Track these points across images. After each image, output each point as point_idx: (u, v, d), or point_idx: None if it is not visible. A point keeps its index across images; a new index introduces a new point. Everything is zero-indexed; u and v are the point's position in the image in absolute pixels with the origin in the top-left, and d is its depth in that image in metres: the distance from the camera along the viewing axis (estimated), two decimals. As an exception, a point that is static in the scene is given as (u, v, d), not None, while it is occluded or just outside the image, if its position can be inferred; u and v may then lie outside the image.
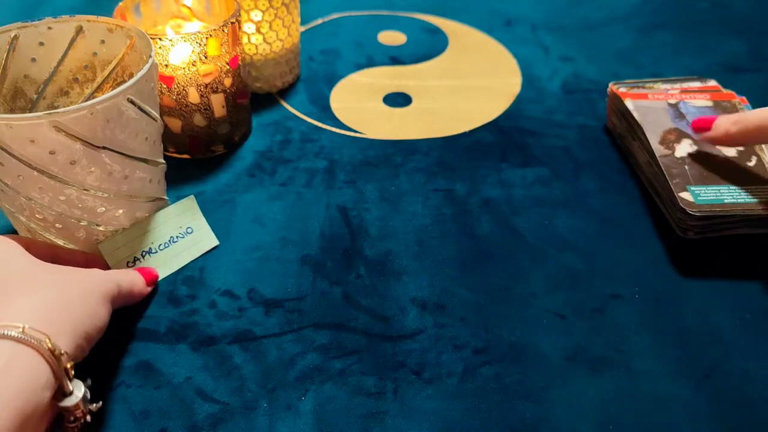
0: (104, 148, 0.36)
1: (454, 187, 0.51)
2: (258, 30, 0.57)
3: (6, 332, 0.29)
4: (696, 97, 0.53)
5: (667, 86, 0.55)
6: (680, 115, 0.51)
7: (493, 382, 0.37)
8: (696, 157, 0.48)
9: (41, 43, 0.42)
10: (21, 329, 0.29)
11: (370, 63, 0.66)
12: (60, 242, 0.40)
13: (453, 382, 0.37)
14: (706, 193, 0.45)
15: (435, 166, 0.53)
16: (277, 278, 0.43)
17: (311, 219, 0.48)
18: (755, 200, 0.44)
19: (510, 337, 0.40)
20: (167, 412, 0.35)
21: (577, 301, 0.42)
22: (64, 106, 0.34)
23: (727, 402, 0.36)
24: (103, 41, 0.43)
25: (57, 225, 0.39)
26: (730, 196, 0.44)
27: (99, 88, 0.44)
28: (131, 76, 0.36)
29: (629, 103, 0.53)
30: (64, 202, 0.38)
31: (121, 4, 0.48)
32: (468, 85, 0.64)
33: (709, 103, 0.52)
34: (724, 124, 0.46)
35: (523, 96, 0.62)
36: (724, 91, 0.54)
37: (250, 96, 0.56)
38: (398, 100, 0.61)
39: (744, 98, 0.53)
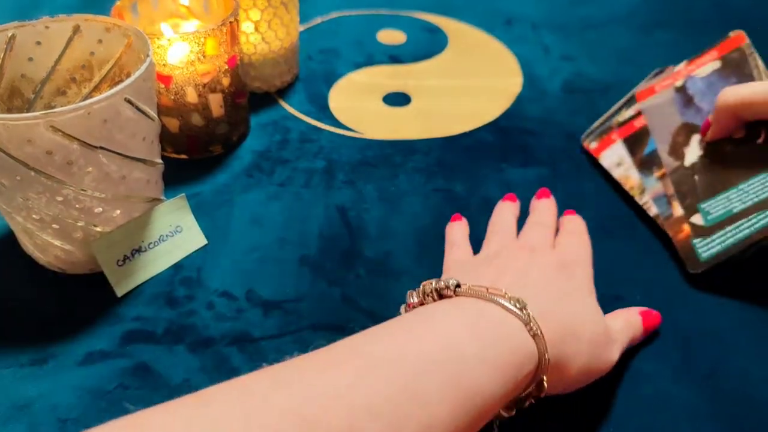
0: (101, 148, 0.36)
1: (454, 187, 0.51)
2: (257, 29, 0.57)
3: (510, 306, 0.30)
4: (703, 63, 0.47)
5: (679, 67, 0.49)
6: (688, 100, 0.47)
7: (492, 383, 0.37)
8: (705, 156, 0.44)
9: (38, 43, 0.42)
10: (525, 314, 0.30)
11: (370, 62, 0.66)
12: (57, 243, 0.40)
13: (452, 383, 0.37)
14: (716, 207, 0.42)
15: (435, 166, 0.53)
16: (276, 279, 0.43)
17: (310, 219, 0.48)
18: (765, 195, 0.40)
19: (510, 338, 0.40)
20: (165, 414, 0.35)
21: (577, 301, 0.42)
22: (62, 106, 0.33)
23: (728, 402, 0.36)
24: (100, 41, 0.43)
25: (54, 225, 0.39)
26: (739, 200, 0.41)
27: (96, 88, 0.44)
28: (129, 75, 0.36)
29: (643, 105, 0.49)
30: (61, 202, 0.37)
31: (118, 3, 0.48)
32: (468, 84, 0.63)
33: (717, 65, 0.46)
34: (716, 116, 0.42)
35: (524, 96, 0.62)
36: (732, 35, 0.47)
37: (249, 96, 0.56)
38: (398, 99, 0.61)
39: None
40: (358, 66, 0.66)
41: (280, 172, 0.52)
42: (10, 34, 0.41)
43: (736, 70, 0.46)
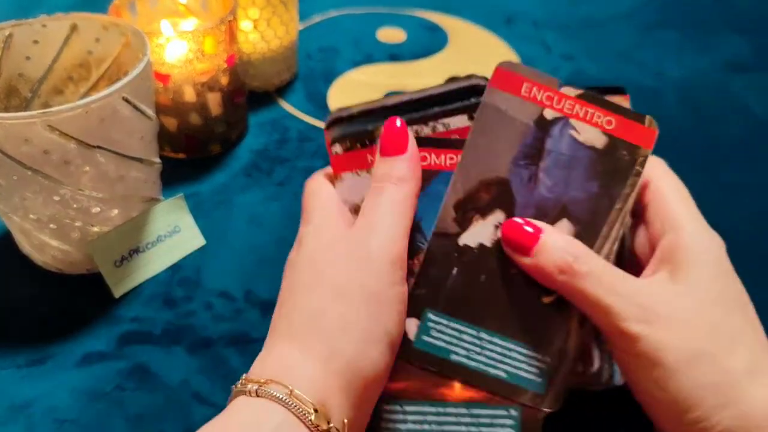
0: (99, 147, 0.36)
1: (454, 186, 0.50)
2: (255, 28, 0.56)
3: (274, 393, 0.25)
4: (592, 120, 0.30)
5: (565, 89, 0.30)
6: (538, 149, 0.30)
7: (492, 384, 0.37)
8: (490, 251, 0.29)
9: (35, 41, 0.42)
10: (289, 391, 0.25)
11: (369, 60, 0.66)
12: (54, 243, 0.39)
13: (452, 384, 0.37)
14: (440, 333, 0.29)
15: (434, 166, 0.52)
16: (275, 279, 0.42)
17: (309, 219, 0.47)
18: (491, 372, 0.29)
19: (510, 339, 0.39)
20: (163, 416, 0.35)
21: (577, 302, 0.42)
22: (59, 105, 0.33)
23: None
24: (97, 39, 0.42)
25: (51, 225, 0.38)
26: (465, 351, 0.29)
27: (94, 87, 0.44)
28: (126, 74, 0.36)
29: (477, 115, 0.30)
30: (58, 202, 0.37)
31: (116, 1, 0.48)
32: (468, 83, 0.63)
33: (600, 139, 0.30)
34: (552, 259, 0.28)
35: (524, 94, 0.61)
36: (651, 128, 0.30)
37: (247, 94, 0.56)
38: (397, 98, 0.61)
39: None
40: (357, 64, 0.65)
41: (278, 171, 0.52)
42: (7, 33, 0.40)
43: (611, 173, 0.30)
